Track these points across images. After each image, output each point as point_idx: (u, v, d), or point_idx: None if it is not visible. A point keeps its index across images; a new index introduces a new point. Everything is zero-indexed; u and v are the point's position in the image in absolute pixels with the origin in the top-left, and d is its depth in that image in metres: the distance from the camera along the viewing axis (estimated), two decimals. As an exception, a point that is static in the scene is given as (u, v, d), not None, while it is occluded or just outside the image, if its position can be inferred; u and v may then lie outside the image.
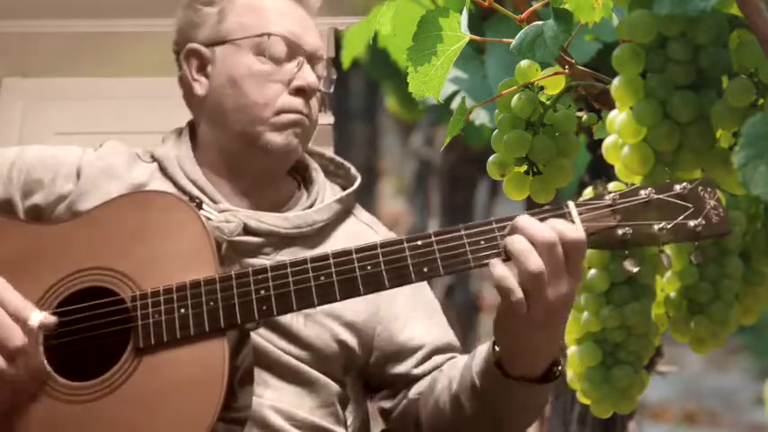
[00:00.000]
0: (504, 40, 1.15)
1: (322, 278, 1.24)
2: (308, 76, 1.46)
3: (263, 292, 1.25)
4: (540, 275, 1.14)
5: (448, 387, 1.38)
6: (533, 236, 1.15)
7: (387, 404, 1.48)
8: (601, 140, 1.10)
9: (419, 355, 1.46)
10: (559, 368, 1.26)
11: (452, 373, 1.39)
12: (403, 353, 1.46)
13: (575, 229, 1.15)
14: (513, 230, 1.17)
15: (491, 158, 1.16)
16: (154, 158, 1.49)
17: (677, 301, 1.14)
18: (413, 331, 1.46)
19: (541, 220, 1.17)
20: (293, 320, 1.39)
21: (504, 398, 1.29)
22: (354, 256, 1.23)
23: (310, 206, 1.49)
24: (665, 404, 4.82)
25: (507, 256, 1.17)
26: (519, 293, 1.15)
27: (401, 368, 1.46)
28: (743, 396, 5.05)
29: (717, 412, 5.00)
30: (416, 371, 1.45)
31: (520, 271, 1.15)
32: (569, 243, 1.14)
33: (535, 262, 1.14)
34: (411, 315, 1.47)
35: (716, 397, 5.07)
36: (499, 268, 1.16)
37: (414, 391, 1.45)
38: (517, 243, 1.15)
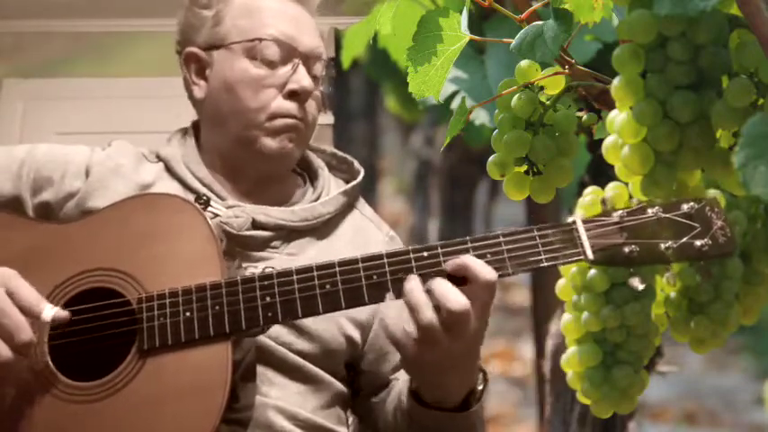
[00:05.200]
0: (504, 40, 1.15)
1: (327, 286, 1.25)
2: (301, 79, 1.46)
3: (268, 298, 1.26)
4: (432, 330, 1.18)
5: (394, 397, 1.41)
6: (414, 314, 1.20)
7: (361, 411, 1.48)
8: (601, 140, 1.10)
9: (396, 358, 1.45)
10: (477, 396, 1.29)
11: (399, 384, 1.41)
12: (383, 352, 1.46)
13: (489, 272, 1.19)
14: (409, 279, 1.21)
15: (491, 158, 1.16)
16: (159, 158, 1.50)
17: (677, 301, 1.14)
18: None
19: (546, 236, 1.19)
20: None
21: (423, 421, 1.31)
22: (360, 265, 1.24)
23: (316, 200, 1.50)
24: (665, 404, 4.82)
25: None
26: (410, 347, 1.21)
27: (378, 369, 1.46)
28: (743, 396, 5.06)
29: (717, 412, 5.00)
30: (392, 376, 1.46)
31: (415, 323, 1.19)
32: (482, 284, 1.18)
33: (427, 317, 1.18)
34: (398, 314, 1.47)
35: (716, 397, 5.07)
36: (391, 327, 1.23)
37: (376, 396, 1.46)
38: (414, 296, 1.19)
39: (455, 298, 1.18)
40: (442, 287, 1.19)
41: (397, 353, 1.45)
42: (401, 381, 1.40)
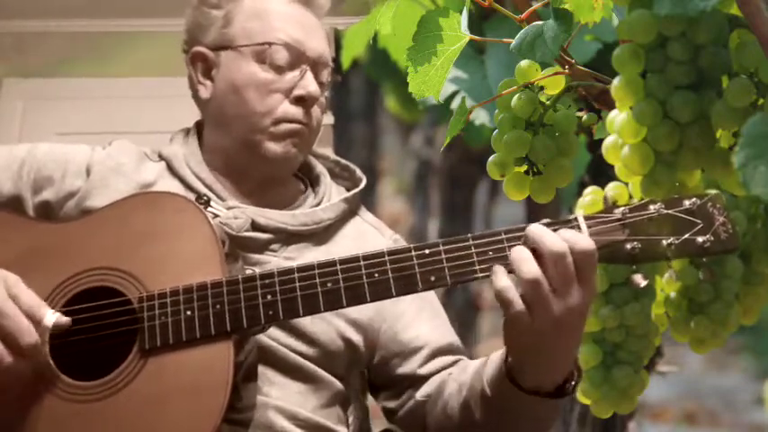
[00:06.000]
0: (504, 40, 1.15)
1: (329, 284, 1.24)
2: (308, 85, 1.46)
3: (269, 297, 1.25)
4: (535, 284, 1.13)
5: (457, 392, 1.38)
6: (541, 245, 1.14)
7: (391, 404, 1.47)
8: (601, 140, 1.10)
9: (423, 353, 1.45)
10: (573, 383, 1.24)
11: (462, 379, 1.38)
12: (406, 352, 1.46)
13: (585, 239, 1.14)
14: (524, 240, 1.16)
15: (491, 158, 1.16)
16: (161, 157, 1.50)
17: (677, 301, 1.14)
18: (416, 330, 1.46)
19: (553, 231, 1.16)
20: None
21: (515, 409, 1.28)
22: (362, 263, 1.24)
23: (317, 205, 1.50)
24: (665, 404, 4.82)
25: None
26: (518, 305, 1.14)
27: (405, 368, 1.45)
28: (743, 396, 5.06)
29: (717, 412, 5.00)
30: (421, 371, 1.45)
31: (519, 280, 1.14)
32: (579, 253, 1.13)
33: (529, 270, 1.13)
34: (415, 315, 1.48)
35: (716, 397, 5.07)
36: (501, 278, 1.15)
37: (421, 392, 1.44)
38: (515, 251, 1.15)
39: (585, 239, 1.14)
40: (570, 232, 1.15)
41: (423, 348, 1.45)
42: (471, 369, 1.38)
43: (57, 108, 2.08)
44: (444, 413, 1.39)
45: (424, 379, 1.44)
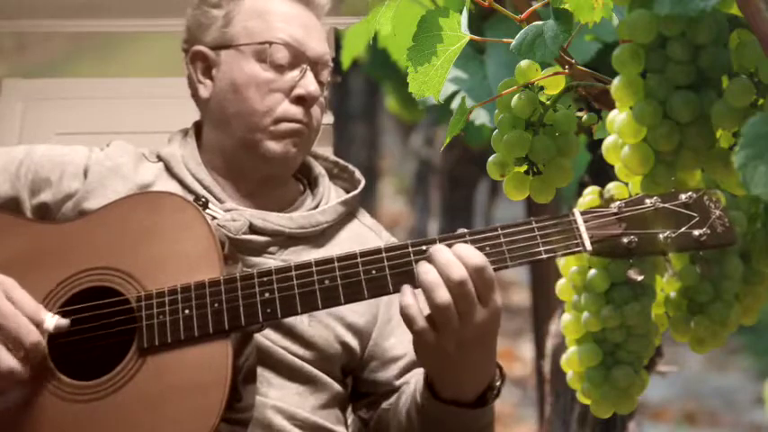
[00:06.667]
0: (504, 40, 1.15)
1: (327, 281, 1.24)
2: (309, 85, 1.46)
3: (267, 294, 1.25)
4: (446, 309, 1.16)
5: (405, 401, 1.39)
6: (445, 272, 1.16)
7: (365, 414, 1.48)
8: (601, 140, 1.10)
9: (400, 364, 1.45)
10: (495, 393, 1.28)
11: (410, 387, 1.40)
12: (386, 358, 1.46)
13: (476, 256, 1.16)
14: (428, 259, 1.18)
15: (491, 158, 1.16)
16: (160, 158, 1.50)
17: (677, 301, 1.13)
18: (400, 338, 1.46)
19: (544, 228, 1.17)
20: (297, 320, 1.39)
21: (441, 418, 1.29)
22: (359, 260, 1.24)
23: (315, 207, 1.50)
24: (665, 404, 4.83)
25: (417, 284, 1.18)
26: (421, 323, 1.17)
27: (382, 376, 1.45)
28: (743, 396, 5.06)
29: (717, 412, 5.00)
30: (397, 383, 1.45)
31: (428, 303, 1.17)
32: (472, 271, 1.16)
33: (441, 297, 1.16)
34: (400, 321, 1.47)
35: (716, 397, 5.07)
36: (406, 297, 1.18)
37: (387, 401, 1.45)
38: (426, 275, 1.17)
39: (476, 256, 1.17)
40: (463, 249, 1.18)
41: (401, 358, 1.45)
42: (414, 380, 1.39)
43: (57, 108, 2.08)
44: (399, 422, 1.40)
45: (397, 390, 1.45)
